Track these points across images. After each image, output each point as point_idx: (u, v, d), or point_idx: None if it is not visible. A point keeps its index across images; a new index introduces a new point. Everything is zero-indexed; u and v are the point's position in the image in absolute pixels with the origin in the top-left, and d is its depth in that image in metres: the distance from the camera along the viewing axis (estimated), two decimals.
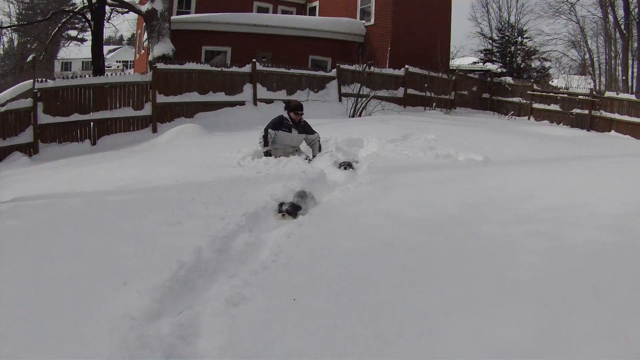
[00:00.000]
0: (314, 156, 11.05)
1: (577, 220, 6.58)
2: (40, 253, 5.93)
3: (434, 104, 24.88)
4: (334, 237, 6.23)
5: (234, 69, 20.74)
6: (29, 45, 56.74)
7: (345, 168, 9.46)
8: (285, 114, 11.21)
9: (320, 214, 7.08)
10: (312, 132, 11.32)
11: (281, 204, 7.28)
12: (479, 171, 9.15)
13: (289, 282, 5.09)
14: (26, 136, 17.02)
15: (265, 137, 10.98)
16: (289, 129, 11.03)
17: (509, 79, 28.87)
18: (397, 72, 25.10)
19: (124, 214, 7.24)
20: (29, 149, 16.98)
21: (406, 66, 25.16)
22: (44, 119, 17.24)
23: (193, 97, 19.70)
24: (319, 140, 11.36)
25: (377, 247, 5.83)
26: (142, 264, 5.41)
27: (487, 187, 8.10)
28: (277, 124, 11.10)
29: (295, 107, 11.17)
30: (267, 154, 10.92)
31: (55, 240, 6.34)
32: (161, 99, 18.94)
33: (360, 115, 20.44)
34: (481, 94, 29.06)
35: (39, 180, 10.76)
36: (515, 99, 27.63)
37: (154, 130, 18.49)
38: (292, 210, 7.13)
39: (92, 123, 18.08)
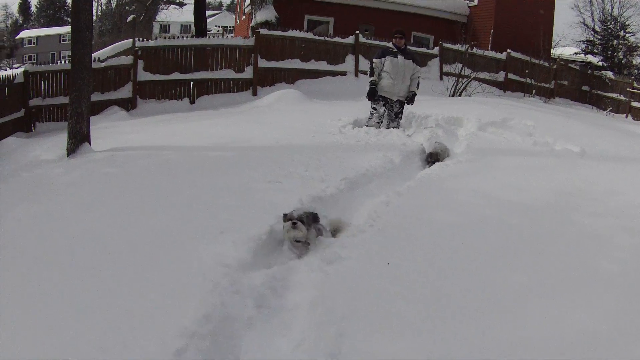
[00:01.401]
0: (412, 92, 11.28)
1: None
2: (136, 199, 6.22)
3: (534, 91, 24.40)
4: (430, 209, 6.36)
5: (337, 39, 20.76)
6: (127, 7, 57.85)
7: (432, 163, 8.89)
8: (389, 44, 11.41)
9: (418, 187, 7.20)
10: (418, 62, 11.44)
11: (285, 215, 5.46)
12: (575, 162, 9.04)
13: (384, 247, 5.22)
14: (125, 91, 17.50)
15: (371, 68, 11.23)
16: (395, 55, 11.10)
17: (609, 74, 28.10)
18: (498, 55, 24.78)
19: (222, 169, 7.48)
20: (128, 104, 17.47)
21: (508, 50, 24.80)
22: (144, 76, 17.66)
23: (294, 64, 19.78)
24: (419, 78, 11.44)
25: (471, 223, 5.94)
26: (239, 216, 5.61)
27: (581, 178, 8.04)
28: (381, 53, 11.31)
29: (394, 33, 11.36)
30: (372, 83, 11.14)
31: (151, 189, 6.62)
32: (263, 63, 19.09)
33: (460, 95, 20.33)
34: (581, 86, 28.35)
35: (136, 134, 11.06)
36: (614, 95, 26.95)
37: (254, 94, 18.66)
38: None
39: (191, 82, 18.41)
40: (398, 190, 6.96)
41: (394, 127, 11.01)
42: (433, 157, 8.87)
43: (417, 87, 11.40)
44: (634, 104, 25.75)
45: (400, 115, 11.40)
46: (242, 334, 3.95)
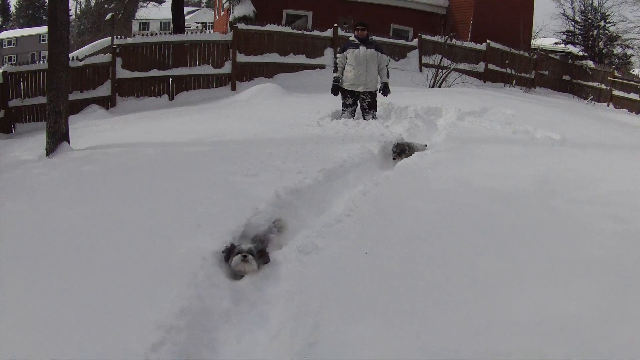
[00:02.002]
0: (383, 83, 11.33)
1: None
2: (115, 196, 6.16)
3: (514, 81, 24.52)
4: (409, 198, 6.32)
5: (316, 32, 20.80)
6: (106, 5, 57.69)
7: (397, 156, 8.48)
8: (352, 36, 11.48)
9: (397, 176, 7.15)
10: (382, 50, 11.50)
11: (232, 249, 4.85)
12: (555, 150, 8.99)
13: (362, 236, 5.19)
14: (104, 89, 17.40)
15: (335, 64, 11.42)
16: (356, 46, 11.16)
17: (590, 63, 28.29)
18: (478, 46, 24.84)
19: (200, 163, 7.41)
20: (107, 102, 17.36)
21: (488, 41, 24.85)
22: (122, 73, 17.58)
23: (273, 57, 19.80)
24: (387, 67, 11.49)
25: (450, 211, 5.89)
26: (216, 209, 5.56)
27: (562, 165, 7.99)
28: (343, 47, 11.43)
29: (355, 26, 11.52)
30: (336, 80, 11.32)
31: (130, 185, 6.56)
32: (241, 58, 19.07)
33: (440, 87, 20.35)
34: (561, 75, 28.56)
35: (115, 131, 11.02)
36: (595, 84, 27.10)
37: (233, 88, 18.65)
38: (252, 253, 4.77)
39: (170, 79, 18.37)
40: (376, 180, 6.93)
41: (370, 119, 10.98)
42: (399, 149, 8.66)
43: (388, 77, 11.46)
44: (615, 92, 25.89)
45: (373, 107, 11.41)
46: (219, 327, 3.94)
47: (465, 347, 3.60)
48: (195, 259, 4.48)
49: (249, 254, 4.63)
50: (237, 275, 4.64)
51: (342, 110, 11.45)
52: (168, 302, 3.87)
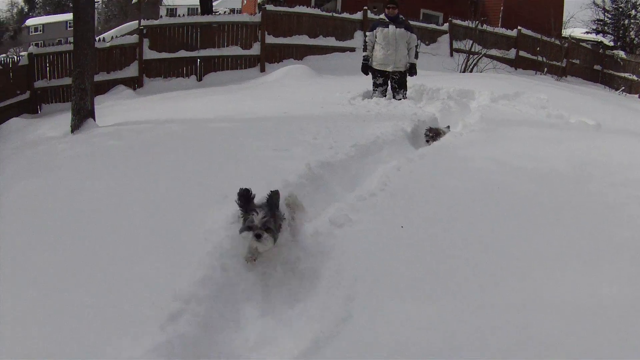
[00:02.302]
0: (410, 64, 11.23)
1: None
2: (139, 170, 6.08)
3: (545, 69, 24.15)
4: (443, 175, 6.18)
5: (345, 14, 20.70)
6: None
7: (430, 139, 8.24)
8: (382, 15, 11.34)
9: (431, 154, 7.01)
10: (412, 30, 11.37)
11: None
12: (590, 135, 8.76)
13: (396, 211, 5.04)
14: (131, 70, 17.55)
15: (365, 42, 11.30)
16: (386, 25, 11.05)
17: (621, 54, 27.95)
18: (509, 32, 24.60)
19: (228, 139, 7.30)
20: (134, 83, 17.48)
21: (519, 27, 24.59)
22: (150, 54, 17.70)
23: (302, 40, 19.76)
24: (416, 47, 11.37)
25: (486, 190, 5.73)
26: (244, 181, 5.32)
27: (597, 150, 7.73)
28: (373, 25, 11.35)
29: (386, 4, 11.26)
30: (365, 58, 11.27)
31: (155, 159, 6.47)
32: (270, 39, 19.06)
33: (471, 72, 20.14)
34: (592, 65, 28.16)
35: (141, 110, 10.95)
36: (627, 75, 26.75)
37: (262, 70, 18.65)
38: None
39: (198, 60, 18.41)
40: (410, 157, 6.79)
41: (401, 99, 10.90)
42: (432, 132, 8.51)
43: (416, 57, 11.37)
44: None
45: (404, 87, 11.31)
46: (243, 300, 3.77)
47: (501, 324, 3.49)
48: (220, 229, 4.28)
49: (264, 232, 3.86)
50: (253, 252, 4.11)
51: (373, 90, 11.35)
52: (189, 271, 3.71)
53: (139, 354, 2.98)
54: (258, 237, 3.85)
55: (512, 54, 24.28)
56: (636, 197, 5.83)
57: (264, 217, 3.88)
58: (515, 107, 10.54)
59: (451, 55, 22.22)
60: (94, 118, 9.08)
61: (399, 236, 4.55)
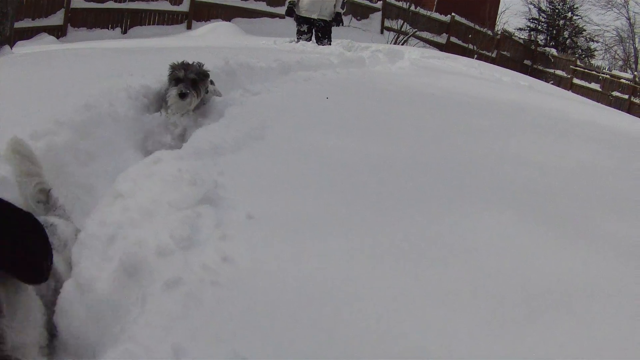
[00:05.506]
0: (336, 13, 11.01)
1: None
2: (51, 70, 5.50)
3: (475, 56, 24.01)
4: (377, 81, 6.30)
5: None
6: None
7: None
8: None
9: (365, 73, 7.00)
10: None
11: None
12: (524, 91, 8.93)
13: (326, 87, 5.18)
14: (56, 18, 16.74)
15: None
16: None
17: (553, 51, 28.45)
18: (442, 17, 24.71)
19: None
20: (58, 32, 16.72)
21: (453, 13, 24.68)
22: (77, 3, 16.96)
23: (233, 1, 19.48)
24: None
25: (418, 95, 5.92)
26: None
27: (533, 101, 7.78)
28: None
29: None
30: (290, 3, 11.06)
31: (68, 65, 5.90)
32: None
33: None
34: (523, 59, 28.49)
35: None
36: (557, 72, 27.09)
37: (189, 27, 18.35)
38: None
39: (125, 12, 17.86)
40: (339, 71, 6.69)
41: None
42: None
43: (343, 8, 11.26)
44: (576, 81, 26.09)
45: (327, 36, 11.14)
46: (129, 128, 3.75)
47: None
48: (120, 89, 3.96)
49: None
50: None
51: (297, 38, 11.15)
52: (74, 100, 3.50)
53: None
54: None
55: (443, 38, 24.44)
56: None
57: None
58: (447, 63, 10.46)
59: (382, 32, 22.20)
60: (10, 47, 8.59)
61: (324, 105, 4.56)
